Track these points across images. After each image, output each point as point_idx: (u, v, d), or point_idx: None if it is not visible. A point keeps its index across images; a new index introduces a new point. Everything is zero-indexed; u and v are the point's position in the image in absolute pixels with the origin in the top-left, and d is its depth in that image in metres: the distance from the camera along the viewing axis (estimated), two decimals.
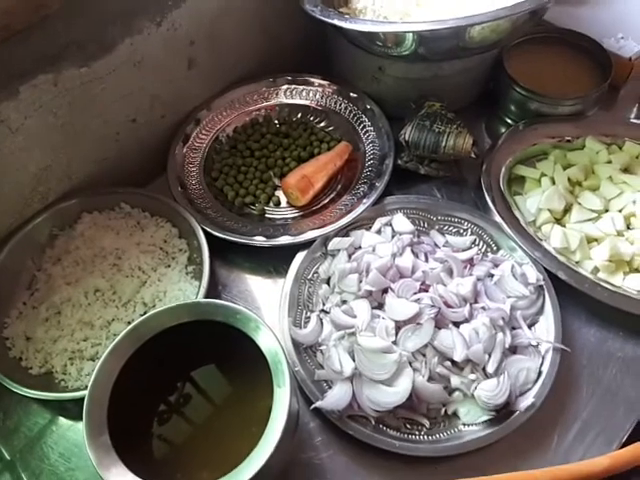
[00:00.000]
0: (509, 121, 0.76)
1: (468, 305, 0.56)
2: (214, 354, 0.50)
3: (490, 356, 0.53)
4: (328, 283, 0.63)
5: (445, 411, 0.53)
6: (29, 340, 0.61)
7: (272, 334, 0.45)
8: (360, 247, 0.63)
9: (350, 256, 0.63)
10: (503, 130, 0.76)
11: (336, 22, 0.59)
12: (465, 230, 0.65)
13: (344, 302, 0.59)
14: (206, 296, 0.61)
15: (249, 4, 0.74)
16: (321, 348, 0.57)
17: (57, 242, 0.68)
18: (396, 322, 0.55)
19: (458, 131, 0.66)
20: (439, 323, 0.55)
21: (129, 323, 0.62)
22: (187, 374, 0.51)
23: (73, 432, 0.56)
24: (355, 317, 0.56)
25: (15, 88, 0.57)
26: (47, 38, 0.56)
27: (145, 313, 0.63)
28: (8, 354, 0.60)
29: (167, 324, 0.47)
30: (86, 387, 0.56)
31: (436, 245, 0.64)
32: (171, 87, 0.72)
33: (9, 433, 0.56)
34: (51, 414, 0.58)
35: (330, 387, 0.54)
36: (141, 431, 0.48)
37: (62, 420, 0.57)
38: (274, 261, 0.66)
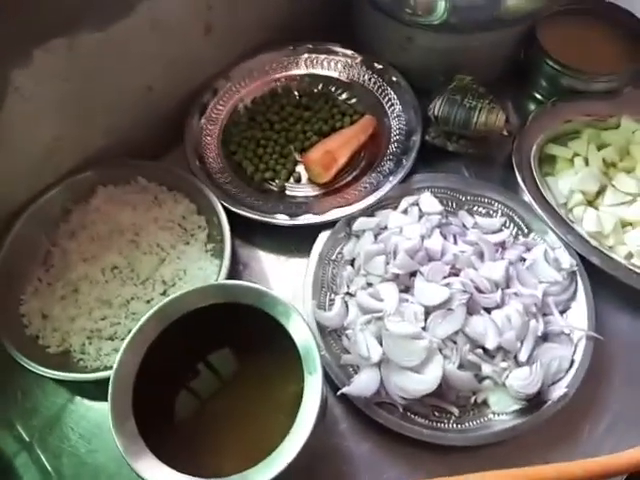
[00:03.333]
0: (539, 97, 0.73)
1: (500, 290, 0.54)
2: (241, 338, 0.49)
3: (522, 344, 0.52)
4: (352, 265, 0.61)
5: (475, 399, 0.52)
6: (46, 318, 0.59)
7: (302, 319, 0.44)
8: (386, 228, 0.61)
9: (376, 237, 0.61)
10: (532, 107, 0.74)
11: None
12: (495, 211, 0.63)
13: (370, 285, 0.58)
14: (228, 276, 0.59)
15: None
16: (347, 332, 0.55)
17: (72, 216, 0.65)
18: (425, 307, 0.53)
19: (490, 107, 0.63)
20: (470, 309, 0.53)
21: (148, 302, 0.60)
22: (213, 358, 0.49)
23: (93, 412, 0.55)
24: (382, 301, 0.55)
25: (29, 52, 0.54)
26: (62, 1, 0.53)
27: (165, 292, 0.61)
28: (25, 332, 0.58)
29: (194, 305, 0.45)
30: (105, 367, 0.57)
31: (465, 226, 0.61)
32: (188, 53, 0.69)
33: (27, 413, 0.55)
34: (70, 394, 0.57)
35: (356, 372, 0.53)
36: (166, 416, 0.47)
37: (81, 400, 0.56)
38: (296, 240, 0.64)
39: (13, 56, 0.53)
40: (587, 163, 0.64)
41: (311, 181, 0.69)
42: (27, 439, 0.54)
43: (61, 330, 0.58)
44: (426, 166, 0.68)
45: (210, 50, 0.72)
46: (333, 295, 0.59)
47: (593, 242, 0.58)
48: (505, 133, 0.64)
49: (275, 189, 0.69)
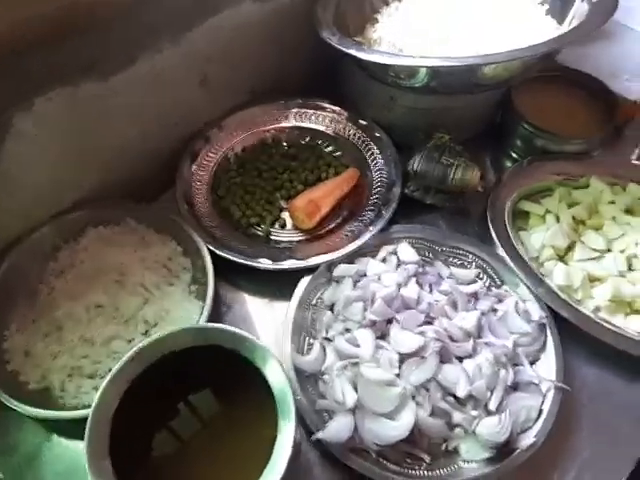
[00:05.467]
0: (515, 156, 0.78)
1: (472, 340, 0.56)
2: (219, 380, 0.50)
3: (492, 393, 0.54)
4: (332, 310, 0.63)
5: (446, 447, 0.53)
6: (28, 355, 0.60)
7: (279, 365, 0.45)
8: (365, 275, 0.64)
9: (355, 283, 0.63)
10: (509, 164, 0.78)
11: (353, 52, 0.60)
12: (470, 263, 0.65)
13: (347, 330, 0.59)
14: (209, 318, 0.60)
15: (266, 24, 0.75)
16: (324, 377, 0.57)
17: (61, 254, 0.67)
18: (400, 355, 0.55)
19: (466, 164, 0.67)
20: (443, 357, 0.55)
21: (130, 341, 0.61)
22: (191, 399, 0.50)
23: (71, 451, 0.55)
24: (359, 347, 0.56)
25: (30, 100, 0.57)
26: (67, 52, 0.56)
27: (147, 332, 0.62)
28: (6, 367, 0.59)
29: (174, 347, 0.47)
30: (83, 405, 0.57)
31: (440, 276, 0.64)
32: (183, 103, 0.73)
33: (7, 449, 0.55)
34: (49, 431, 0.57)
35: (331, 417, 0.54)
36: (141, 456, 0.47)
37: (59, 438, 0.56)
38: (279, 284, 0.66)
39: (16, 102, 0.56)
40: (558, 220, 0.67)
41: (295, 227, 0.72)
42: (1, 476, 0.54)
43: (42, 367, 0.59)
44: (405, 217, 0.71)
45: (205, 101, 0.76)
46: (312, 339, 0.60)
47: (562, 295, 0.61)
48: (480, 189, 0.68)
49: (261, 234, 0.71)
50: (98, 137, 0.65)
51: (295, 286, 0.63)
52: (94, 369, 0.59)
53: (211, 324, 0.52)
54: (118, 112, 0.65)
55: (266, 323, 0.65)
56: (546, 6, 0.73)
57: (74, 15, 0.55)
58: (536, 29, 0.66)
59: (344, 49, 0.60)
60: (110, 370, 0.45)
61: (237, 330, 0.46)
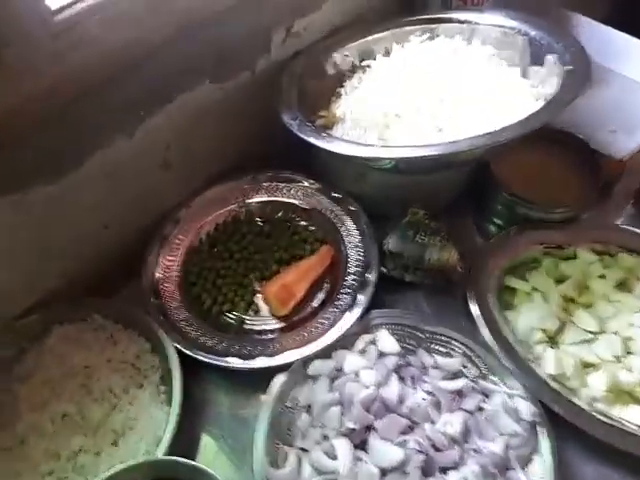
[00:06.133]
0: (498, 221, 0.72)
1: (457, 447, 0.52)
2: None
3: None
4: (308, 411, 0.59)
5: None
6: None
7: None
8: (342, 370, 0.60)
9: (332, 380, 0.59)
10: (492, 228, 0.73)
11: (312, 140, 0.57)
12: (454, 349, 0.61)
13: (325, 437, 0.55)
14: (177, 427, 0.57)
15: (227, 102, 0.72)
16: None
17: (26, 357, 0.64)
18: (380, 469, 0.51)
19: (442, 244, 0.64)
20: (426, 470, 0.50)
21: (97, 454, 0.58)
22: None
23: None
24: (336, 459, 0.52)
25: None
26: (12, 158, 0.54)
27: (115, 442, 0.59)
28: None
29: None
30: None
31: (424, 366, 0.60)
32: (146, 190, 0.70)
33: None
34: None
35: None
36: None
37: None
38: (252, 381, 0.62)
39: None
40: (546, 298, 0.63)
41: (270, 312, 0.68)
42: None
43: None
44: (385, 293, 0.67)
45: (170, 185, 0.73)
46: (287, 447, 0.56)
47: (554, 385, 0.57)
48: (459, 269, 0.64)
49: (233, 322, 0.68)
50: (53, 238, 0.63)
51: (269, 382, 0.59)
52: None
53: (165, 458, 0.49)
54: (73, 212, 0.63)
55: (237, 428, 0.61)
56: (528, 80, 0.69)
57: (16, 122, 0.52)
58: (517, 103, 0.61)
59: (304, 137, 0.57)
60: None
61: (190, 462, 0.45)
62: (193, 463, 0.44)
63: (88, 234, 0.66)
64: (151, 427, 0.59)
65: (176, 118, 0.66)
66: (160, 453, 0.54)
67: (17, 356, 0.64)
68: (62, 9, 0.53)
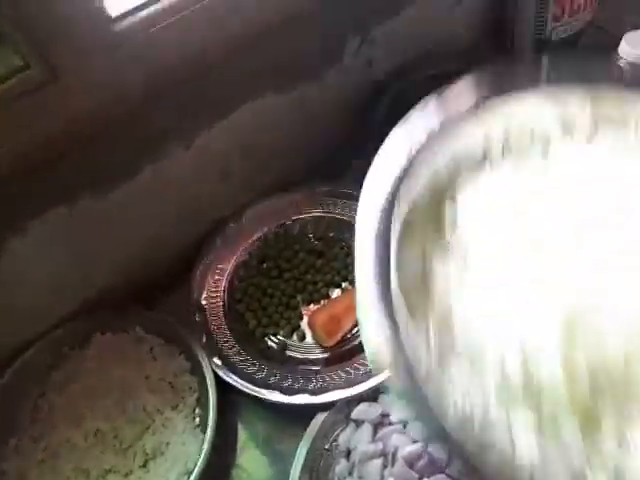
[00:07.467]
0: None
1: None
2: None
3: None
4: (347, 456, 0.54)
5: None
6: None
7: None
8: (388, 416, 0.55)
9: (377, 427, 0.54)
10: None
11: None
12: None
13: None
14: (208, 458, 0.54)
15: (293, 112, 0.69)
16: None
17: (65, 364, 0.63)
18: None
19: None
20: None
21: (127, 475, 0.56)
22: None
23: None
24: None
25: (24, 223, 0.53)
26: (65, 170, 0.52)
27: (145, 464, 0.57)
28: None
29: None
30: None
31: None
32: (200, 200, 0.67)
33: None
34: None
35: None
36: None
37: None
38: (292, 416, 0.58)
39: (9, 227, 0.53)
40: None
41: (315, 340, 0.64)
42: None
43: None
44: None
45: (225, 194, 0.70)
46: None
47: None
48: None
49: (276, 347, 0.64)
50: (101, 250, 0.61)
51: (309, 416, 0.56)
52: None
53: None
54: (124, 222, 0.61)
55: (273, 461, 0.57)
56: None
57: (74, 132, 0.50)
58: None
59: None
60: None
61: None
62: None
63: (138, 242, 0.64)
64: (182, 457, 0.56)
65: (237, 129, 0.63)
66: None
67: (56, 362, 0.64)
68: (123, 16, 0.50)
